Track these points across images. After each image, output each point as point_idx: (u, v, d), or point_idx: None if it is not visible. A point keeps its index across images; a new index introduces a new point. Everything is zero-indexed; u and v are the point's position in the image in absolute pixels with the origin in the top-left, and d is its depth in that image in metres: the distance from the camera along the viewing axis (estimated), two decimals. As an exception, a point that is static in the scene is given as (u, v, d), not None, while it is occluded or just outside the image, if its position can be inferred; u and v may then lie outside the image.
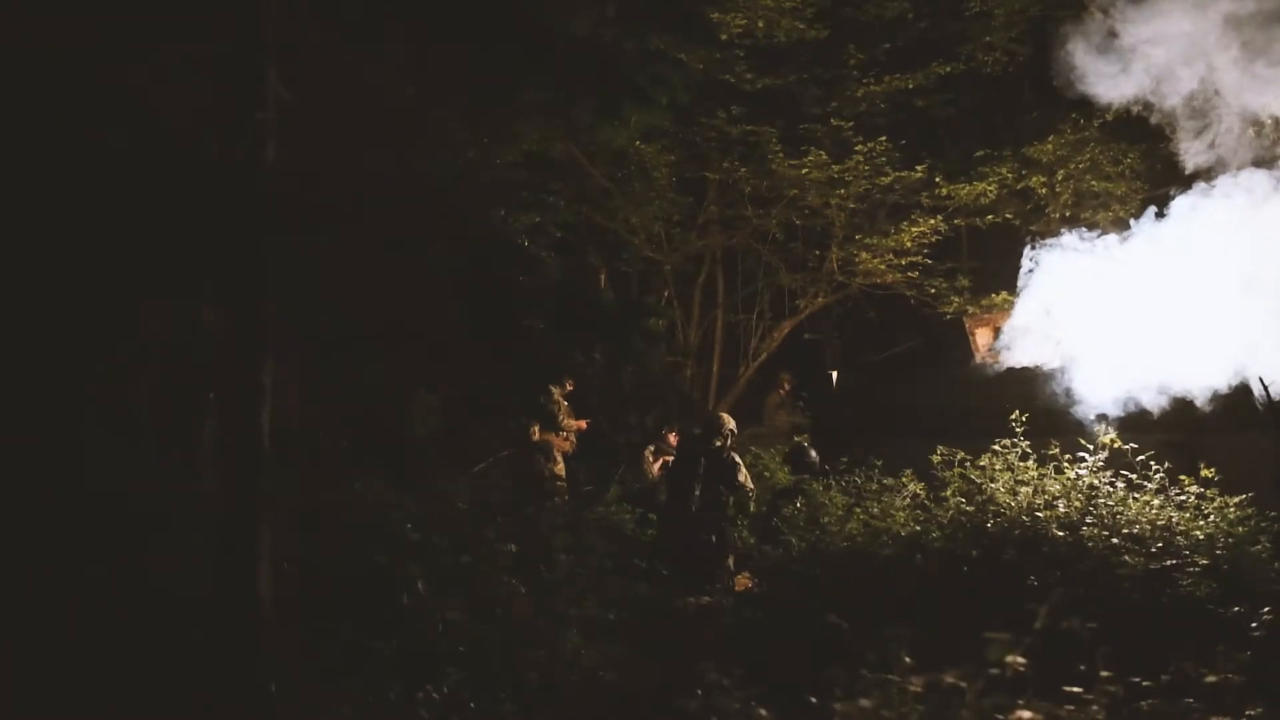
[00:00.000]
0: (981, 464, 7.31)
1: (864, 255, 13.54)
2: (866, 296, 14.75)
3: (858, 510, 7.48)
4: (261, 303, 5.15)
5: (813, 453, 9.45)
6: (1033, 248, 9.34)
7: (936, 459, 7.47)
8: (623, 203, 13.39)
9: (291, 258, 5.00)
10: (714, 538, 9.03)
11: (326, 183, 5.17)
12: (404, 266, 5.55)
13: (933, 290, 13.88)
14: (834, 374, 10.29)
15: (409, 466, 9.14)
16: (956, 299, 13.85)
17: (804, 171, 13.17)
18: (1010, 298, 13.26)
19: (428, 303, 5.57)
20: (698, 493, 9.08)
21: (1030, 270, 9.30)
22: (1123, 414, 8.18)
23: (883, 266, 13.58)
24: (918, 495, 7.39)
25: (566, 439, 11.48)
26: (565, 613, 7.10)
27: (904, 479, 7.59)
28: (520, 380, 6.53)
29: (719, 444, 9.30)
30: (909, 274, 13.71)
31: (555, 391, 11.10)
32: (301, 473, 7.18)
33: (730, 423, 9.48)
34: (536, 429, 11.02)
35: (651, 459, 11.95)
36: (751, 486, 9.22)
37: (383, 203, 5.11)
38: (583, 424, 11.63)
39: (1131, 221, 9.36)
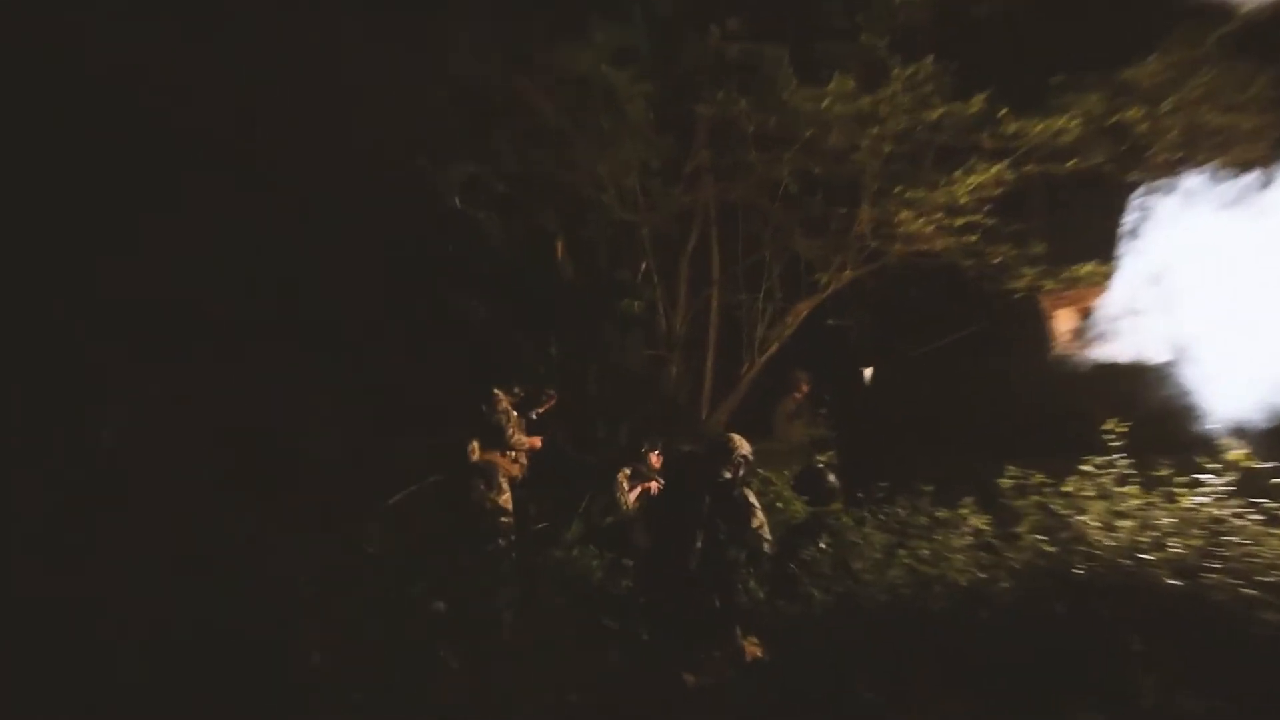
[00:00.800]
0: (1066, 489, 7.32)
1: (905, 214, 13.45)
2: (909, 269, 14.66)
3: (901, 552, 7.46)
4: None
5: (831, 476, 9.41)
6: (1137, 198, 9.27)
7: (1006, 483, 7.46)
8: (586, 147, 13.25)
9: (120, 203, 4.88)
10: (717, 598, 8.91)
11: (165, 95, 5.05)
12: (291, 229, 5.42)
13: (997, 260, 13.80)
14: (866, 371, 10.22)
15: (301, 498, 9.07)
16: (1028, 271, 13.78)
17: (825, 104, 13.05)
18: (1102, 268, 13.33)
19: (325, 279, 5.45)
20: (699, 544, 8.94)
21: (1132, 230, 9.24)
22: (1259, 423, 8.15)
23: (929, 228, 13.49)
24: (981, 531, 7.37)
25: (515, 460, 11.41)
26: (511, 693, 7.07)
27: (962, 510, 7.56)
28: (451, 382, 6.42)
29: (728, 475, 9.19)
30: (965, 238, 13.62)
31: (501, 398, 11.01)
32: (147, 506, 7.11)
33: (744, 447, 9.38)
34: (476, 447, 10.95)
35: (626, 486, 11.89)
36: (769, 537, 9.12)
37: (260, 139, 4.98)
38: (536, 441, 11.55)
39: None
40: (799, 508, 10.12)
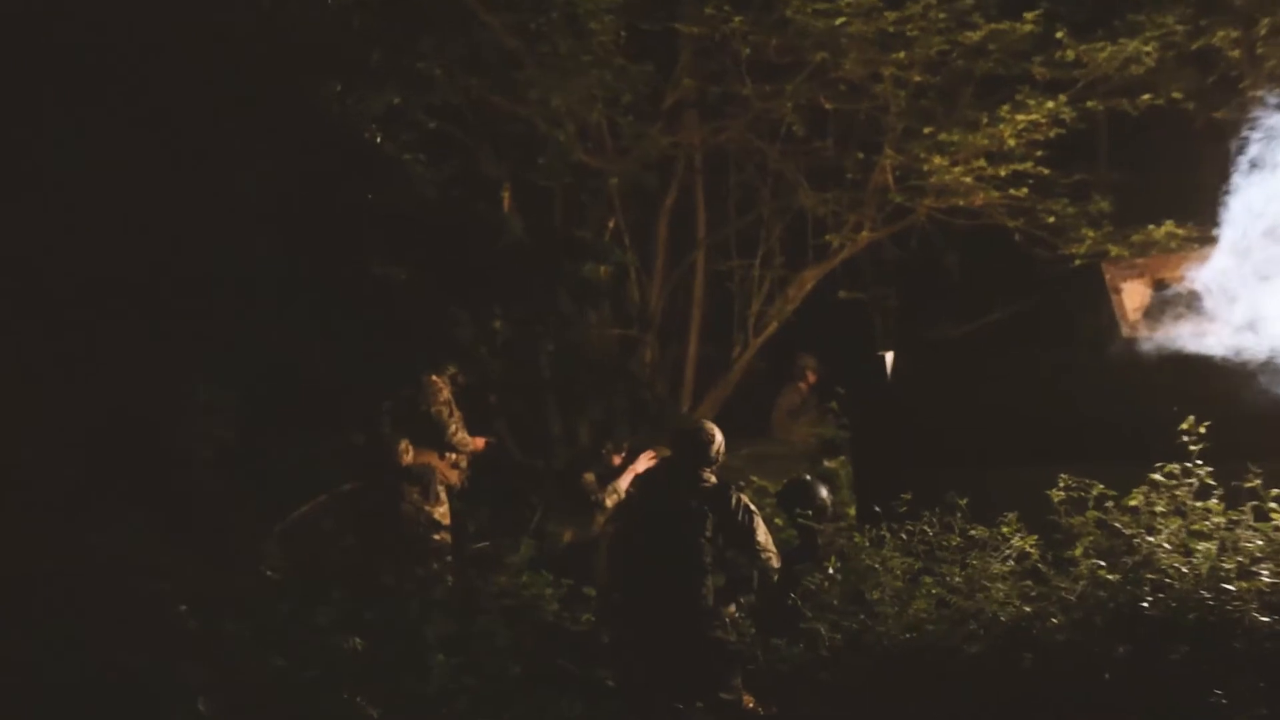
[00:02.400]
0: (1132, 503, 7.35)
1: (936, 160, 13.53)
2: (941, 230, 14.72)
3: (928, 580, 7.49)
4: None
5: (823, 491, 9.48)
6: (1227, 143, 9.32)
7: (1058, 495, 7.48)
8: (540, 73, 13.27)
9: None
10: (701, 635, 8.93)
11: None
12: (154, 166, 5.43)
13: (1051, 219, 13.90)
14: (887, 357, 10.23)
15: (184, 508, 9.08)
16: (1091, 233, 13.90)
17: (838, 22, 13.16)
18: (1182, 231, 13.43)
19: (208, 235, 5.46)
20: (680, 568, 8.95)
21: (1222, 183, 9.30)
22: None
23: (967, 179, 13.58)
24: (1026, 555, 7.40)
25: (454, 465, 11.44)
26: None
27: (1004, 528, 7.59)
28: (369, 366, 6.44)
29: (707, 474, 9.23)
30: (1011, 191, 13.70)
31: (438, 385, 11.03)
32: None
33: (719, 438, 9.42)
34: (408, 446, 10.97)
35: (599, 494, 11.92)
36: (775, 555, 9.14)
37: (111, 45, 4.99)
38: (479, 442, 11.57)
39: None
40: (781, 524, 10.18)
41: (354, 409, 9.35)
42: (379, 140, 9.21)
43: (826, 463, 13.31)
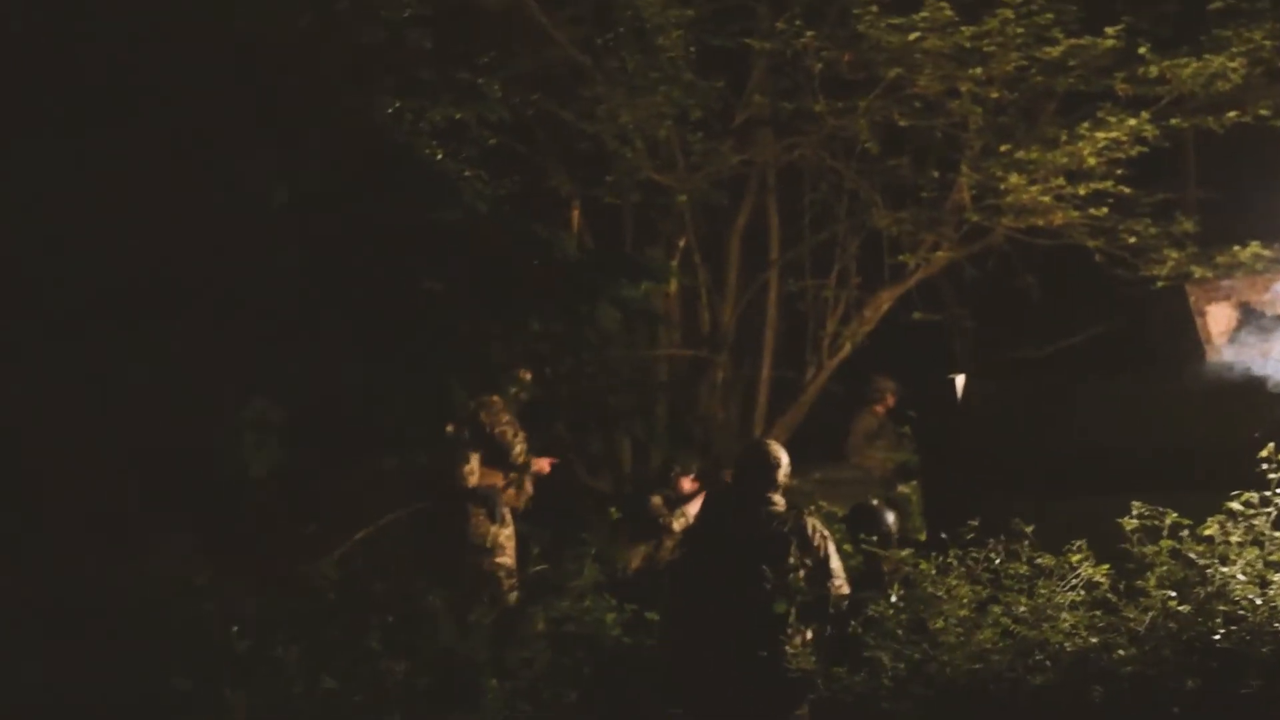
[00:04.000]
0: (1207, 532, 7.30)
1: (1015, 178, 13.41)
2: (1018, 251, 14.62)
3: (995, 609, 7.43)
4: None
5: (890, 516, 9.39)
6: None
7: (1130, 524, 7.42)
8: (608, 89, 13.27)
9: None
10: (772, 663, 8.84)
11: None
12: (203, 185, 5.45)
13: (1133, 239, 13.77)
14: (958, 380, 10.16)
15: (236, 529, 9.11)
16: (1174, 254, 13.76)
17: (913, 38, 13.04)
18: (1269, 252, 13.25)
19: (248, 248, 5.47)
20: (744, 593, 8.85)
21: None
22: None
23: (1046, 199, 13.46)
24: (1096, 584, 7.33)
25: (518, 486, 11.43)
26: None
27: (1074, 556, 7.53)
28: (411, 382, 6.42)
29: (775, 498, 9.13)
30: (1092, 211, 13.60)
31: (500, 405, 11.03)
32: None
33: (785, 459, 9.33)
34: (474, 468, 10.98)
35: (669, 519, 11.89)
36: (846, 583, 9.03)
37: (169, 68, 5.02)
38: (544, 464, 11.56)
39: None
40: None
41: (417, 429, 9.34)
42: (439, 156, 9.25)
43: (900, 488, 13.25)
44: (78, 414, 7.57)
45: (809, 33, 13.31)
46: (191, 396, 6.97)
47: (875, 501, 10.10)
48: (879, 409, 14.86)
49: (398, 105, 8.79)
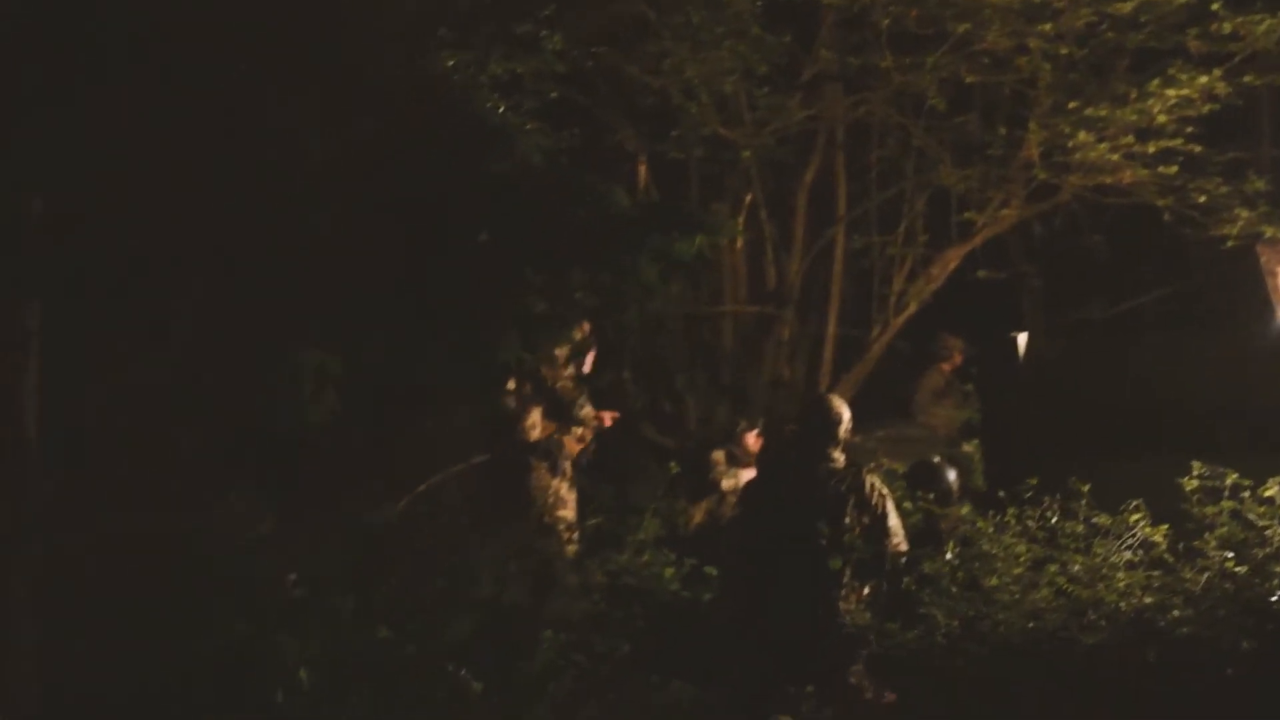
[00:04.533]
0: (1268, 493, 7.29)
1: (1083, 136, 13.29)
2: (1086, 209, 14.50)
3: (1052, 568, 7.43)
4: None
5: (950, 474, 9.35)
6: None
7: (1190, 483, 7.39)
8: (674, 44, 13.22)
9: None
10: (827, 619, 8.82)
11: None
12: (251, 137, 5.47)
13: (1202, 198, 13.61)
14: (1020, 338, 10.12)
15: (299, 481, 9.17)
16: (1245, 213, 13.57)
17: (981, -9, 12.95)
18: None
19: (290, 199, 5.48)
20: (838, 546, 8.82)
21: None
22: None
23: (1115, 157, 13.34)
24: (1153, 545, 7.32)
25: (580, 439, 11.47)
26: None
27: (1133, 516, 7.52)
28: (458, 333, 6.42)
29: (835, 454, 9.10)
30: (1161, 169, 13.47)
31: (559, 362, 11.07)
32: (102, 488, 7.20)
33: (847, 415, 9.29)
34: (536, 420, 11.02)
35: (727, 473, 11.91)
36: (904, 540, 8.99)
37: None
38: (606, 417, 11.58)
39: None
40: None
41: (462, 381, 9.36)
42: (500, 109, 9.24)
43: (965, 446, 13.21)
44: (136, 365, 7.66)
45: (876, -14, 13.26)
46: (244, 346, 7.00)
47: (936, 459, 10.06)
48: (946, 367, 14.77)
49: (457, 59, 8.77)
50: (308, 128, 5.62)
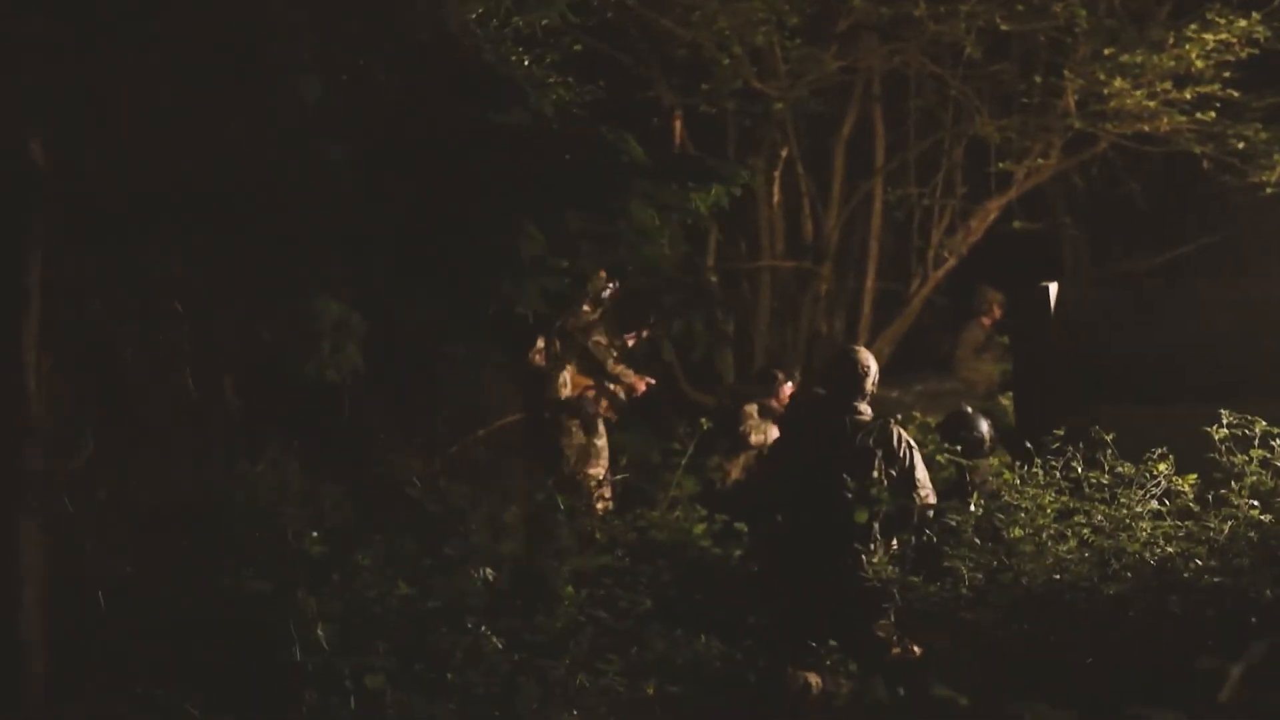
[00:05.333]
0: (1300, 441, 7.15)
1: (1119, 83, 13.18)
2: (1127, 158, 14.36)
3: (1079, 519, 7.34)
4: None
5: (983, 424, 9.25)
6: None
7: (1219, 433, 7.30)
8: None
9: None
10: (852, 573, 8.76)
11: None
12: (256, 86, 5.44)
13: (1241, 145, 13.49)
14: (1050, 289, 10.00)
15: (331, 437, 9.18)
16: (1285, 160, 13.49)
17: (1016, -65, 12.86)
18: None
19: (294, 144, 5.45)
20: (828, 501, 8.77)
21: None
22: None
23: (1152, 104, 13.21)
24: (1179, 494, 7.22)
25: (612, 395, 11.45)
26: (569, 683, 7.09)
27: (1160, 465, 7.42)
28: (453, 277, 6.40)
29: (862, 407, 9.02)
30: (1199, 116, 13.36)
31: (588, 319, 11.06)
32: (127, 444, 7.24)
33: (874, 367, 9.19)
34: (569, 377, 11.02)
35: (757, 425, 11.84)
36: (932, 493, 8.92)
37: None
38: (640, 383, 11.53)
39: None
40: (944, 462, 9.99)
41: (490, 331, 9.33)
42: (525, 62, 9.21)
43: (1001, 400, 13.14)
44: (165, 319, 7.66)
45: (908, -68, 13.16)
46: (262, 298, 7.00)
47: (970, 409, 9.94)
48: (986, 321, 14.66)
49: (481, 10, 8.74)
50: (308, 71, 5.58)
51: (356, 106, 5.86)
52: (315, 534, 7.60)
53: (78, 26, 5.35)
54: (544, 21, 9.41)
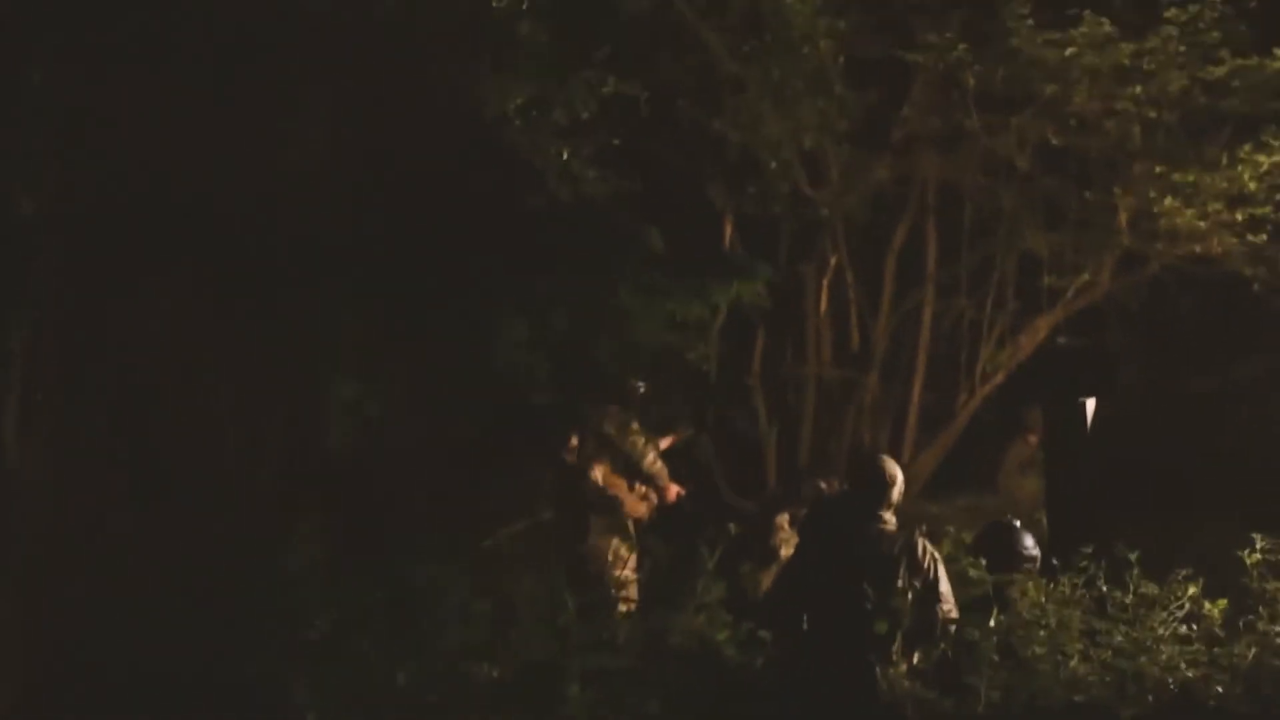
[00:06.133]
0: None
1: (1170, 201, 13.07)
2: (1177, 277, 14.24)
3: (1101, 639, 7.22)
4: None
5: (1028, 540, 9.06)
6: None
7: (1251, 556, 7.18)
8: (753, 98, 13.12)
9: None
10: (868, 686, 8.60)
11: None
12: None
13: (1294, 267, 13.38)
14: (1088, 404, 9.88)
15: (362, 525, 9.13)
16: (1334, 284, 13.37)
17: (1069, 53, 12.85)
18: None
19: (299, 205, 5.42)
20: (890, 611, 8.61)
21: None
22: None
23: (1203, 224, 13.10)
24: (1207, 617, 7.08)
25: (644, 497, 11.37)
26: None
27: (1190, 588, 7.29)
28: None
29: (885, 515, 8.89)
30: (1250, 237, 13.23)
31: (620, 419, 11.01)
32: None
33: (900, 477, 9.08)
34: (600, 474, 10.96)
35: (786, 540, 11.71)
36: (955, 607, 8.76)
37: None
38: (672, 490, 11.47)
39: None
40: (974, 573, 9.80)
41: (543, 437, 9.30)
42: (564, 155, 9.19)
43: (1037, 516, 12.96)
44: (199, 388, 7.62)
45: (960, 45, 13.13)
46: (277, 380, 6.97)
47: (1016, 522, 9.74)
48: (1033, 439, 14.49)
49: (524, 100, 8.73)
50: (319, 137, 5.56)
51: (366, 183, 5.83)
52: (316, 622, 7.53)
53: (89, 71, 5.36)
54: (585, 115, 9.40)
